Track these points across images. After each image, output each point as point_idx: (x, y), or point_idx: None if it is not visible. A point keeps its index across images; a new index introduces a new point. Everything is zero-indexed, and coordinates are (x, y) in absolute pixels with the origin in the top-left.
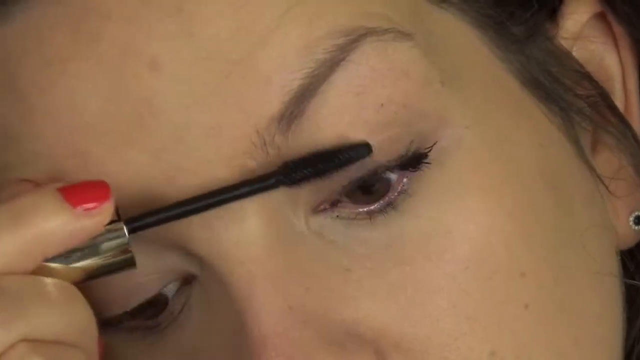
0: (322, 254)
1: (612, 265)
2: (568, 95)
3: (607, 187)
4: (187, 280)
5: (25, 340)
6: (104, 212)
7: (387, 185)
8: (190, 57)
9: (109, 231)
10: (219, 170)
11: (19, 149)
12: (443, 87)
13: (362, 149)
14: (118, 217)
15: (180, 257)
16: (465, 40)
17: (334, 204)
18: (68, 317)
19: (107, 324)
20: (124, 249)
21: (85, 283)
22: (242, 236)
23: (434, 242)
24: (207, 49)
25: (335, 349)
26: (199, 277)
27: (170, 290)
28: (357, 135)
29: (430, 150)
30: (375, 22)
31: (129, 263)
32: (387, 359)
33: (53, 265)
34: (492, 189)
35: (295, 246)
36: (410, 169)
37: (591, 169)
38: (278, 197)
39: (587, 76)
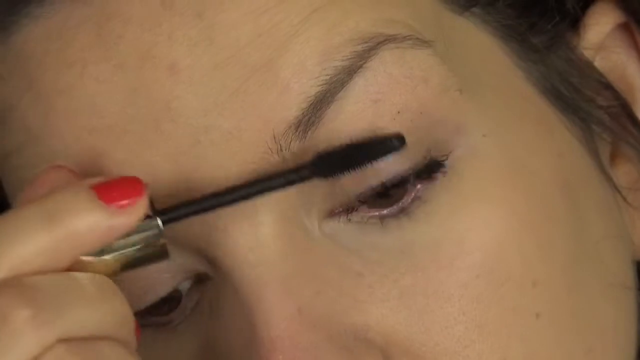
0: (335, 258)
1: (628, 276)
2: (588, 106)
3: (624, 199)
4: (201, 279)
5: (62, 340)
6: (138, 209)
7: (403, 191)
8: (210, 62)
9: (142, 223)
10: (235, 174)
11: (38, 148)
12: (461, 95)
13: (396, 142)
14: (152, 207)
15: (195, 258)
16: (486, 49)
17: (349, 210)
18: (104, 311)
19: None
20: (157, 240)
21: (119, 276)
22: (256, 240)
23: (445, 250)
24: (226, 54)
25: (344, 353)
26: (212, 277)
27: (183, 287)
28: None
29: (446, 159)
30: (395, 29)
31: (162, 253)
32: None
33: (86, 258)
34: (506, 197)
35: (308, 250)
36: (425, 176)
37: (609, 179)
38: (292, 201)
39: (608, 86)
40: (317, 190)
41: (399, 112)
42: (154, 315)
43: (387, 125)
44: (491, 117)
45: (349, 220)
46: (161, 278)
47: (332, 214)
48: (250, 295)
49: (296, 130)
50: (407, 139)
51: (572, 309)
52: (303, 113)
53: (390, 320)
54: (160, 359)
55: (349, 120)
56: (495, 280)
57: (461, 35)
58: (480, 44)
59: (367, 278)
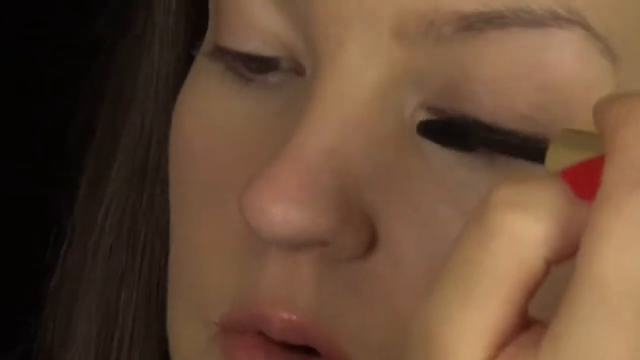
0: (401, 146)
1: None
2: None
3: None
4: (296, 71)
5: None
6: None
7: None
8: None
9: None
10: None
11: None
12: None
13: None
14: None
15: (306, 48)
16: None
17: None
18: None
19: (223, 52)
20: None
21: None
22: (357, 74)
23: None
24: None
25: (335, 215)
26: (305, 76)
27: (282, 66)
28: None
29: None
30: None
31: None
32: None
33: None
34: None
35: (386, 121)
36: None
37: None
38: (404, 73)
39: None
40: (434, 80)
41: (547, 88)
42: (247, 65)
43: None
44: None
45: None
46: (266, 37)
47: (433, 110)
48: (308, 108)
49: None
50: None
51: None
52: (480, 12)
53: (397, 231)
54: (228, 106)
55: (499, 56)
56: None
57: None
58: None
59: (404, 182)
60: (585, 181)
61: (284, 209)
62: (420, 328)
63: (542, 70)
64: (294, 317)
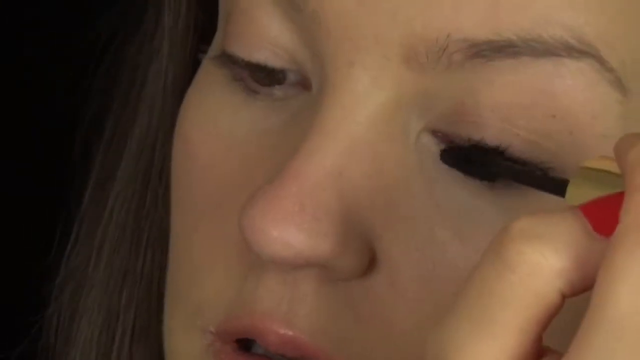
0: (405, 169)
1: None
2: None
3: None
4: (303, 84)
5: None
6: None
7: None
8: None
9: None
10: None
11: None
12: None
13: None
14: None
15: (313, 63)
16: None
17: (460, 149)
18: None
19: (231, 59)
20: None
21: None
22: (361, 101)
23: None
24: None
25: (336, 239)
26: (312, 91)
27: (289, 79)
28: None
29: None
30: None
31: None
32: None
33: None
34: None
35: (394, 144)
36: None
37: None
38: (415, 92)
39: None
40: (442, 104)
41: (554, 116)
42: (252, 77)
43: (537, 118)
44: None
45: (444, 151)
46: (275, 48)
47: (437, 134)
48: (314, 126)
49: (469, 48)
50: (543, 142)
51: None
52: (491, 41)
53: (395, 253)
54: (232, 115)
55: (511, 84)
56: None
57: None
58: None
59: (404, 204)
60: (603, 217)
61: (284, 232)
62: (434, 356)
63: (551, 99)
64: (290, 333)
